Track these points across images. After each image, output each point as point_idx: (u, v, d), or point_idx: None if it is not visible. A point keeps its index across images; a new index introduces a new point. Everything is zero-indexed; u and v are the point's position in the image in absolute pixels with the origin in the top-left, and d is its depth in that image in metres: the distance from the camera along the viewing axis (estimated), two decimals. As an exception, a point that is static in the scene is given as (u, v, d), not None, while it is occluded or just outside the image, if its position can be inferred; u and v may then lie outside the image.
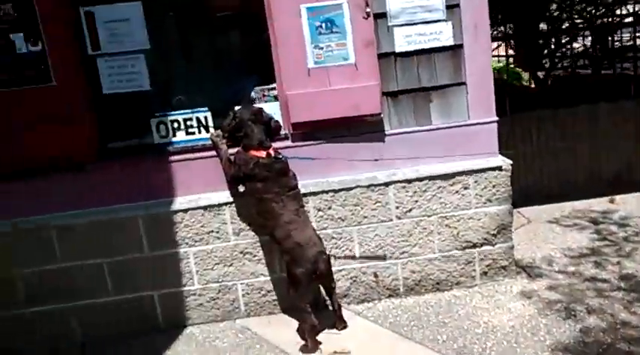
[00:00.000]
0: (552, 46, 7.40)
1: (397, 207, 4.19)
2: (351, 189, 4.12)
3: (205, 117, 4.04)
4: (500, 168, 4.21)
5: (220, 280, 4.15)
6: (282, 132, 4.05)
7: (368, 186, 4.12)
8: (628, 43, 6.62)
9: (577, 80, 6.82)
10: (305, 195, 4.04)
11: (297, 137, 4.06)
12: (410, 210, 4.20)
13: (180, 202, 4.06)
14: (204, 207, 4.05)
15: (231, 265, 4.14)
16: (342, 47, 3.86)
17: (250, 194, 3.81)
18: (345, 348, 3.70)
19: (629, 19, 6.37)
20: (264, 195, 3.72)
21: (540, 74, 7.22)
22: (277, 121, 3.89)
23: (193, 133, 4.05)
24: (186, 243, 4.07)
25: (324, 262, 3.72)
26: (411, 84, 4.05)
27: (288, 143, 4.06)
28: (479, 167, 4.19)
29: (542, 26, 7.53)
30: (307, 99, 3.91)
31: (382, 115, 4.03)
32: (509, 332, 3.78)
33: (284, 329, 4.01)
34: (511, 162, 4.24)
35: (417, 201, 4.19)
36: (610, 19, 6.59)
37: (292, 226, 3.71)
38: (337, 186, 4.11)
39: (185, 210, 4.04)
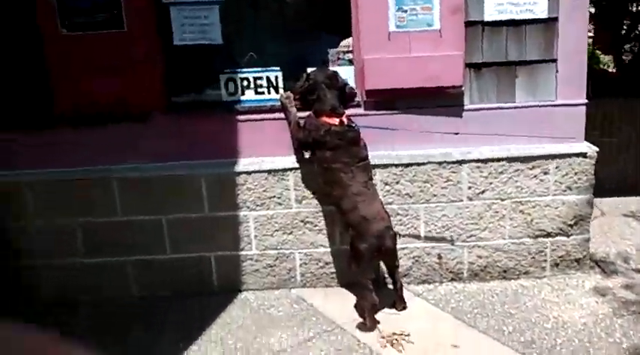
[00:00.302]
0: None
1: (469, 188, 3.95)
2: (422, 164, 3.90)
3: (276, 77, 3.87)
4: (584, 155, 3.91)
5: (279, 247, 4.02)
6: (356, 99, 3.84)
7: (440, 163, 3.90)
8: None
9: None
10: (373, 167, 3.84)
11: (371, 105, 3.85)
12: (483, 192, 3.96)
13: (244, 164, 3.93)
14: (268, 171, 3.91)
15: (290, 233, 4.00)
16: (427, 12, 3.61)
17: (318, 162, 3.64)
18: (405, 330, 3.54)
19: None
20: (332, 165, 3.54)
21: (626, 59, 6.74)
22: (352, 88, 3.69)
23: (262, 93, 3.89)
24: (247, 207, 3.95)
25: (391, 238, 3.54)
26: (497, 57, 3.77)
27: (360, 111, 3.86)
28: (562, 152, 3.90)
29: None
30: (385, 66, 3.69)
31: (463, 88, 3.77)
32: (582, 329, 3.54)
33: (341, 304, 3.87)
34: (597, 149, 3.93)
35: (491, 183, 3.94)
36: None
37: (360, 198, 3.53)
38: (408, 160, 3.90)
39: (248, 173, 3.91)
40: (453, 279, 4.13)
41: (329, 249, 4.05)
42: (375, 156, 3.81)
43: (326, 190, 3.71)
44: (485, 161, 3.89)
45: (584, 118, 3.89)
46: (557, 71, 3.78)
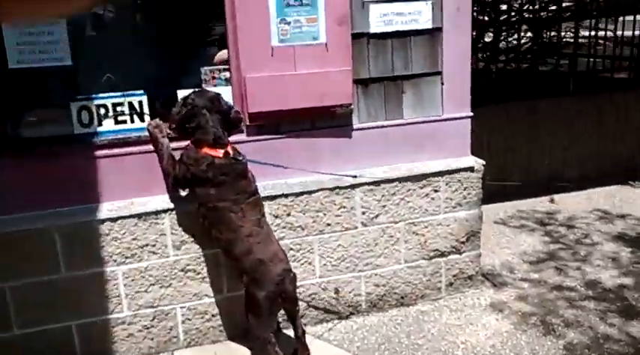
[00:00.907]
0: (493, 38, 7.19)
1: (363, 213, 3.67)
2: (313, 192, 3.54)
3: (140, 103, 3.26)
4: (472, 169, 3.83)
5: (156, 304, 3.39)
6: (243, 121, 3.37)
7: (333, 189, 3.56)
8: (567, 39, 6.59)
9: (516, 74, 6.69)
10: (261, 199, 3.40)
11: (254, 130, 3.40)
12: (377, 216, 3.70)
13: (107, 209, 3.25)
14: (138, 216, 3.27)
15: (169, 285, 3.39)
16: (312, 23, 3.26)
17: (200, 201, 3.10)
18: (317, 382, 3.12)
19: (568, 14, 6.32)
20: (218, 204, 3.03)
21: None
22: (238, 111, 3.21)
23: (125, 122, 3.26)
24: (115, 261, 3.27)
25: (291, 282, 3.12)
26: (384, 71, 3.54)
27: (243, 137, 3.39)
28: (451, 167, 3.78)
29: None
30: (269, 85, 3.27)
31: (352, 107, 3.48)
32: (491, 352, 3.41)
33: (237, 362, 3.35)
34: (483, 162, 3.87)
35: (384, 206, 3.70)
36: (548, 13, 6.52)
37: (254, 239, 3.06)
38: (299, 188, 3.50)
39: (113, 219, 3.24)
40: (351, 313, 3.81)
41: (214, 299, 3.51)
42: (262, 186, 3.36)
43: (212, 234, 3.17)
44: (377, 183, 3.63)
45: (469, 131, 3.80)
46: (442, 84, 3.65)
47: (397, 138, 3.66)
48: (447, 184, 3.78)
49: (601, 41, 6.29)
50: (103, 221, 3.23)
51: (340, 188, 3.57)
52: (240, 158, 3.10)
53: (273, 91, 3.27)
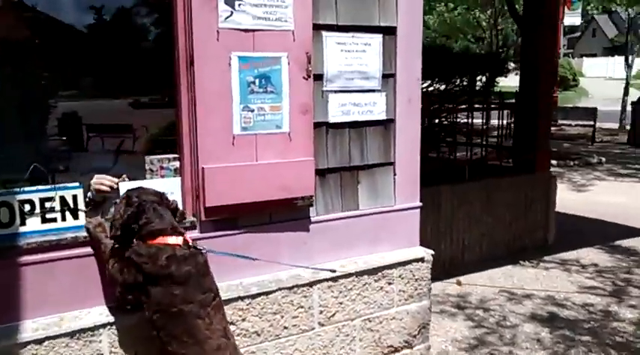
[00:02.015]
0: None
1: (321, 312, 3.38)
2: (271, 292, 3.19)
3: (74, 197, 2.75)
4: (422, 260, 3.74)
5: None
6: (189, 219, 2.97)
7: (291, 288, 3.25)
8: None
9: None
10: (214, 304, 2.98)
11: (209, 226, 3.02)
12: (334, 315, 3.43)
13: (31, 328, 2.62)
14: (70, 334, 2.68)
15: (106, 418, 2.79)
16: (276, 112, 3.03)
17: (158, 308, 2.60)
18: None
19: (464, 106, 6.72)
20: (184, 307, 2.57)
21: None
22: (180, 209, 2.82)
23: (55, 220, 2.71)
24: (41, 394, 2.62)
25: None
26: (341, 161, 3.38)
27: (196, 234, 2.99)
28: (403, 258, 3.66)
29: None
30: (229, 176, 2.95)
31: (313, 198, 3.25)
32: None
33: None
34: (432, 252, 3.81)
35: (341, 303, 3.45)
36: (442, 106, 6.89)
37: (221, 353, 2.63)
38: (256, 289, 3.14)
39: (39, 341, 2.61)
40: None
41: None
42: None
43: (166, 350, 2.66)
44: (335, 279, 3.39)
45: (418, 221, 3.73)
46: (395, 173, 3.57)
47: (353, 230, 3.47)
48: (399, 276, 3.64)
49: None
50: (26, 344, 2.59)
51: (299, 286, 3.27)
52: (201, 249, 2.70)
53: (233, 183, 2.95)
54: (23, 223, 2.66)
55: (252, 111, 2.96)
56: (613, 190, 10.85)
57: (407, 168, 3.61)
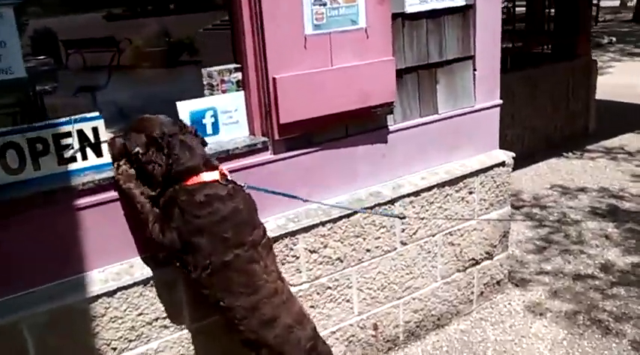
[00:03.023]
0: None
1: (403, 230, 3.04)
2: (352, 214, 2.82)
3: (95, 129, 2.27)
4: (503, 164, 3.37)
5: (178, 395, 2.48)
6: (260, 139, 2.54)
7: (372, 207, 2.88)
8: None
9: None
10: (293, 233, 2.63)
11: (282, 145, 2.59)
12: (415, 232, 3.10)
13: (99, 279, 2.26)
14: (144, 281, 2.33)
15: (190, 367, 2.50)
16: (350, 4, 2.51)
17: (205, 263, 2.18)
18: None
19: None
20: (237, 252, 2.19)
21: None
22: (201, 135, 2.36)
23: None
24: (113, 349, 2.30)
25: (322, 342, 2.43)
26: (419, 59, 2.91)
27: (268, 156, 2.57)
28: (484, 165, 3.28)
29: None
30: (304, 86, 2.48)
31: (395, 105, 2.81)
32: (565, 367, 3.02)
33: None
34: (513, 154, 3.43)
35: (423, 219, 3.11)
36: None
37: (279, 299, 2.29)
38: (337, 212, 2.77)
39: (111, 293, 2.26)
40: (389, 349, 3.19)
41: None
42: (294, 215, 2.61)
43: (218, 304, 2.25)
44: (417, 193, 3.02)
45: (498, 121, 3.32)
46: (474, 69, 3.11)
47: (433, 137, 3.07)
48: (481, 184, 3.28)
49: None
50: (95, 298, 2.24)
51: (380, 205, 2.90)
52: (241, 185, 2.30)
53: (308, 94, 2.49)
54: (80, 158, 2.21)
55: (325, 4, 2.44)
56: (632, 71, 10.41)
57: (488, 62, 3.15)
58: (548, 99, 6.08)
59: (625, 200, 4.95)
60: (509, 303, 3.59)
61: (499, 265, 3.55)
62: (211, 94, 2.46)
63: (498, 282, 3.60)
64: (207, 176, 2.19)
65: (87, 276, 2.25)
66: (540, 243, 4.30)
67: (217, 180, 2.20)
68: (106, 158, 2.27)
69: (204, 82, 2.48)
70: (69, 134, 2.21)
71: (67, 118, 2.21)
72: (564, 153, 6.10)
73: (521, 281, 3.81)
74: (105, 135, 2.27)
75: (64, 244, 2.20)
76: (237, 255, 2.20)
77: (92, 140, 2.25)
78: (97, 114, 2.29)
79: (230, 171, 2.31)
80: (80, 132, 2.23)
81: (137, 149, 2.17)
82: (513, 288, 3.74)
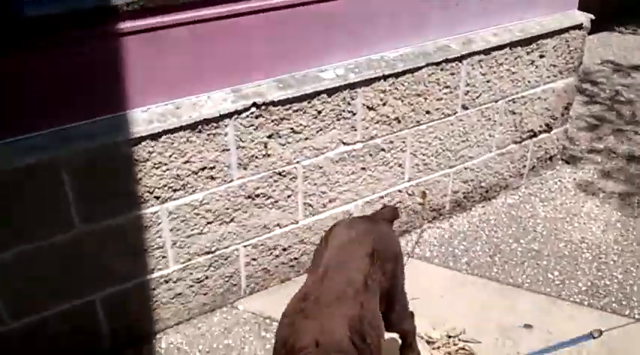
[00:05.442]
0: None
1: (466, 93, 2.74)
2: (417, 69, 2.51)
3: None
4: (580, 27, 2.99)
5: (214, 249, 2.35)
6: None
7: (439, 64, 2.56)
8: None
9: None
10: (352, 86, 2.34)
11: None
12: (479, 96, 2.80)
13: (143, 120, 2.00)
14: (191, 126, 2.07)
15: (231, 220, 2.33)
16: None
17: None
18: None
19: None
20: None
21: None
22: None
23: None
24: (157, 197, 2.11)
25: None
26: None
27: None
28: (562, 25, 2.91)
29: None
30: None
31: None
32: (619, 250, 2.86)
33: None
34: (592, 16, 3.04)
35: (488, 81, 2.80)
36: None
37: None
38: (401, 66, 2.45)
39: (155, 135, 2.01)
40: (434, 218, 3.03)
41: (288, 228, 2.50)
42: (353, 65, 2.30)
43: None
44: (487, 51, 2.68)
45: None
46: None
47: (510, -12, 2.67)
48: (553, 47, 2.93)
49: None
50: (138, 140, 1.98)
51: (448, 61, 2.57)
52: None
53: None
54: (112, -24, 1.85)
55: None
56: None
57: None
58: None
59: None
60: (559, 181, 3.39)
61: (556, 139, 3.30)
62: None
63: (551, 158, 3.37)
64: None
65: (128, 115, 1.98)
66: (591, 121, 4.02)
67: None
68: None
69: None
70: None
71: None
72: (616, 27, 5.63)
73: (572, 159, 3.58)
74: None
75: (102, 75, 1.90)
76: None
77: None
78: None
79: None
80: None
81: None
82: (564, 165, 3.51)
